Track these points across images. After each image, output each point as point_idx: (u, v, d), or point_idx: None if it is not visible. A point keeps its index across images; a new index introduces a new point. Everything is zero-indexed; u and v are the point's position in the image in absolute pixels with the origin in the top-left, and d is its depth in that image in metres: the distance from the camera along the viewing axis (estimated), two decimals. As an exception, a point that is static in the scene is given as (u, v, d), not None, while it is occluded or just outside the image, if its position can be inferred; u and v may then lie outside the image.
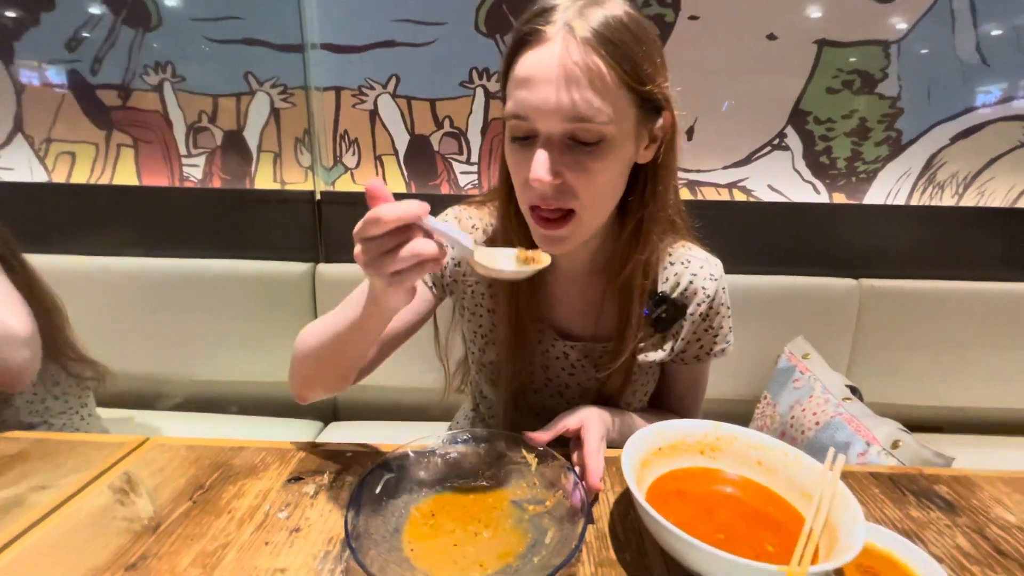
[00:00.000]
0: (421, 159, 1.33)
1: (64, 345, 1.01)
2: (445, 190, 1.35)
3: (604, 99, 0.51)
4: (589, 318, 0.70)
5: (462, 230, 0.70)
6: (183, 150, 1.33)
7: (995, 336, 1.27)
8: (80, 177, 1.33)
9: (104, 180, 1.33)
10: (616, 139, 0.53)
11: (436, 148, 1.33)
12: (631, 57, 0.52)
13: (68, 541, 0.52)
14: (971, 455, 1.14)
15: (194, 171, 1.34)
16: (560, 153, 0.53)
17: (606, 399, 0.71)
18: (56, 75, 1.28)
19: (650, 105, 0.56)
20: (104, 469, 0.64)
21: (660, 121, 0.58)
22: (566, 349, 0.71)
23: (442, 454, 0.62)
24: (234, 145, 1.33)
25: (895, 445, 0.82)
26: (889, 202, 1.33)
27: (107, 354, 1.07)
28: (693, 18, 1.23)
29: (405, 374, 1.32)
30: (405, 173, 1.35)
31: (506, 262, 0.50)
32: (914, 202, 1.32)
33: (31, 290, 0.97)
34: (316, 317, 1.29)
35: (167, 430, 1.22)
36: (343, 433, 1.30)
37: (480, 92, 1.28)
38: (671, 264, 0.69)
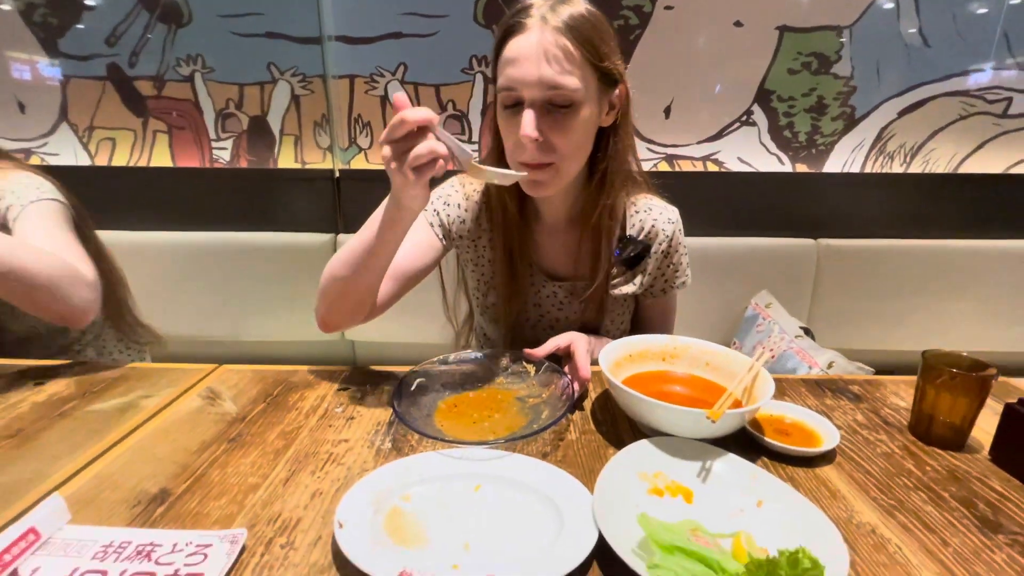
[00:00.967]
0: (427, 139, 1.48)
1: (126, 312, 1.17)
2: (450, 167, 1.49)
3: (572, 72, 0.67)
4: (569, 261, 0.85)
5: (463, 194, 0.87)
6: (213, 135, 1.48)
7: (937, 287, 1.44)
8: (120, 161, 1.48)
9: (142, 163, 1.48)
10: (583, 103, 0.69)
11: (441, 129, 1.48)
12: (591, 40, 0.68)
13: (178, 427, 0.69)
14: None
15: (223, 153, 1.49)
16: (541, 116, 0.68)
17: (589, 330, 0.87)
18: (97, 68, 1.42)
19: (608, 78, 0.72)
20: (191, 385, 0.80)
21: (616, 91, 0.74)
22: (554, 288, 0.88)
23: (461, 365, 0.79)
24: (259, 129, 1.47)
25: (830, 366, 0.99)
26: (845, 171, 1.49)
27: (149, 321, 1.23)
28: (668, 8, 1.37)
29: (417, 331, 1.49)
30: (413, 152, 1.50)
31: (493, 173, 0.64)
32: (867, 170, 1.49)
33: (98, 260, 1.12)
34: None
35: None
36: (364, 385, 1.48)
37: (479, 78, 1.43)
38: (635, 212, 0.85)
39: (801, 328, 1.20)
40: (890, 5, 1.35)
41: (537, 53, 0.66)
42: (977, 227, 1.45)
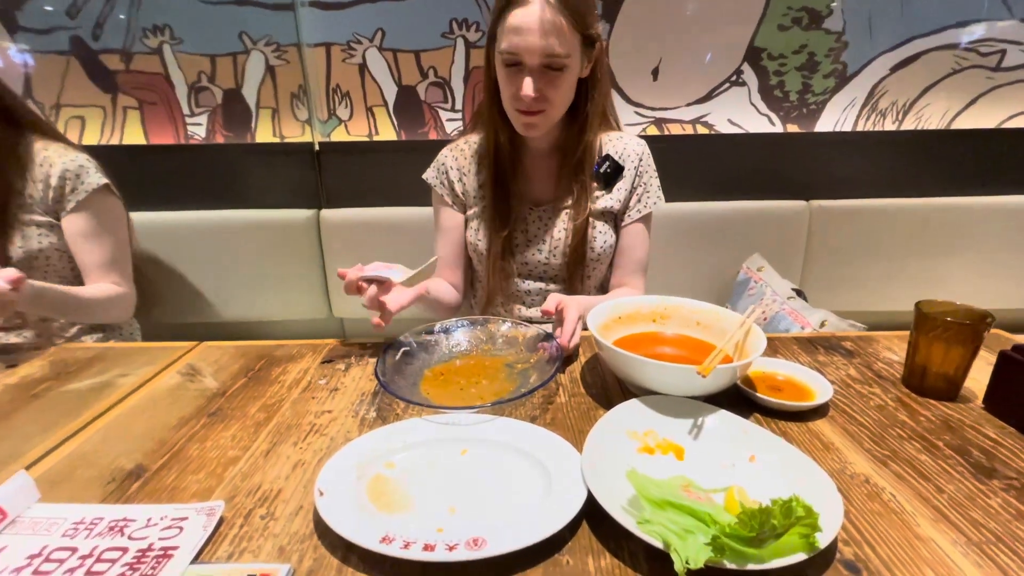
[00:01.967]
0: (409, 108, 1.44)
1: (138, 281, 1.20)
2: (433, 136, 1.46)
3: (566, 43, 0.79)
4: (552, 187, 0.96)
5: (457, 163, 0.97)
6: (186, 110, 1.42)
7: (931, 246, 1.43)
8: (91, 139, 1.42)
9: (114, 141, 1.43)
10: (572, 66, 0.82)
11: (423, 97, 1.43)
12: (580, 12, 0.79)
13: (157, 404, 0.67)
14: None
15: (198, 129, 1.44)
16: (538, 77, 0.81)
17: (575, 248, 0.93)
18: (59, 42, 1.35)
19: (589, 40, 0.83)
20: (171, 362, 0.78)
21: (595, 50, 0.85)
22: (539, 212, 0.96)
23: (447, 334, 0.77)
24: (234, 103, 1.42)
25: (822, 324, 0.98)
26: (837, 129, 1.46)
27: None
28: (655, -36, 1.32)
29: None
30: (395, 122, 1.45)
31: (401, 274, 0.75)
32: (859, 129, 1.46)
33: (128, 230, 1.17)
34: (323, 259, 1.43)
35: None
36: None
37: (460, 42, 1.38)
38: (609, 142, 0.95)
39: (793, 290, 1.19)
40: (883, -46, 1.31)
41: (539, 28, 0.77)
42: (971, 183, 1.43)
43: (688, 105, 1.44)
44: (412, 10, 1.34)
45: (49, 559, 0.42)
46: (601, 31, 0.86)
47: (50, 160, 0.99)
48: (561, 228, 0.94)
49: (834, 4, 1.35)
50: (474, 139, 0.98)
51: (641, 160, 0.95)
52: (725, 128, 1.46)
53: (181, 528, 0.45)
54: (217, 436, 0.59)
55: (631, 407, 0.58)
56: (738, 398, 0.63)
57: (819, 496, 0.44)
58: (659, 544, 0.39)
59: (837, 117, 1.45)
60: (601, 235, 0.94)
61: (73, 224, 1.01)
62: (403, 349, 0.72)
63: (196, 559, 0.42)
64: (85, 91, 1.39)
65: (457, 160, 0.98)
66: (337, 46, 1.38)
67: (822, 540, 0.39)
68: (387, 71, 1.40)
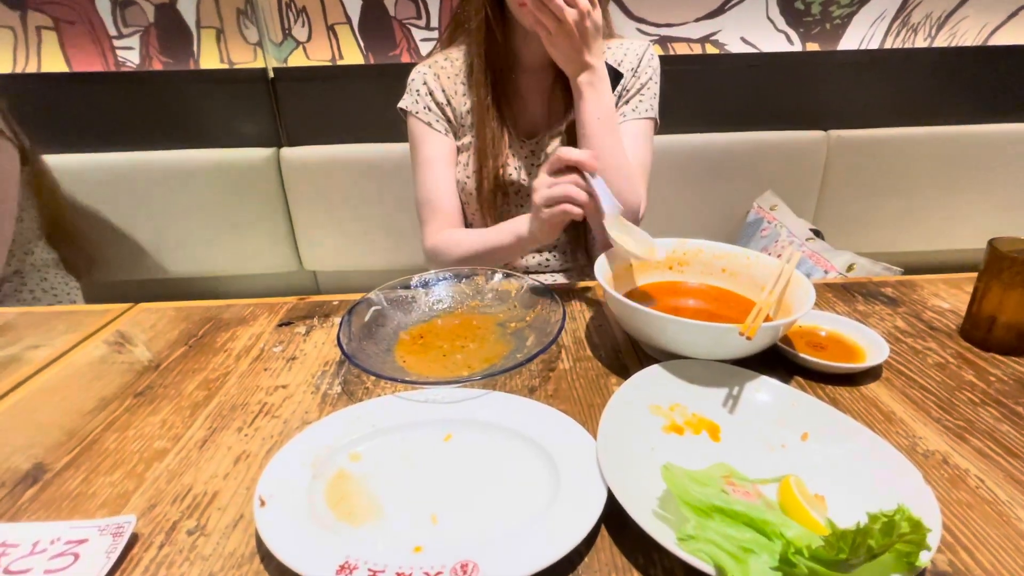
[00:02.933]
0: (377, 27, 1.24)
1: (65, 233, 1.08)
2: (406, 59, 1.27)
3: None
4: (543, 111, 0.83)
5: (436, 83, 0.82)
6: (112, 30, 1.21)
7: (960, 178, 1.31)
8: (3, 68, 1.21)
9: (30, 69, 1.22)
10: None
11: (392, 13, 1.23)
12: None
13: (72, 383, 0.55)
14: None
15: (129, 54, 1.23)
16: None
17: None
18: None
19: None
20: (96, 329, 0.65)
21: None
22: (532, 146, 0.83)
23: (427, 289, 0.65)
24: (169, 21, 1.21)
25: (850, 268, 0.88)
26: (863, 47, 1.30)
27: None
28: None
29: (384, 257, 1.33)
30: (362, 44, 1.26)
31: (635, 244, 0.60)
32: (887, 46, 1.30)
33: (38, 189, 0.97)
34: (287, 204, 1.27)
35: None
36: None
37: (434, -56, 1.17)
38: (609, 49, 0.82)
39: (811, 230, 1.08)
40: None
41: None
42: (1009, 108, 1.29)
43: (697, 21, 1.26)
44: (374, -99, 1.12)
45: None
46: None
47: None
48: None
49: None
50: (455, 55, 0.83)
51: (641, 61, 0.82)
52: (737, 47, 1.29)
53: (76, 555, 0.34)
54: (142, 423, 0.48)
55: (652, 375, 0.47)
56: (775, 358, 0.53)
57: (901, 490, 0.34)
58: (709, 569, 0.29)
59: (864, 33, 1.29)
60: None
61: None
62: (374, 308, 0.60)
63: (91, 601, 0.31)
64: (-13, 8, 1.17)
65: (439, 79, 0.82)
66: (287, -52, 1.16)
67: (924, 557, 0.29)
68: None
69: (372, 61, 1.27)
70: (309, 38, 1.25)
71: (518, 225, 0.73)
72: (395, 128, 0.89)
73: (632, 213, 0.76)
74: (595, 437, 0.40)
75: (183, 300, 0.72)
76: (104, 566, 0.33)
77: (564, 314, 0.55)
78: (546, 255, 0.88)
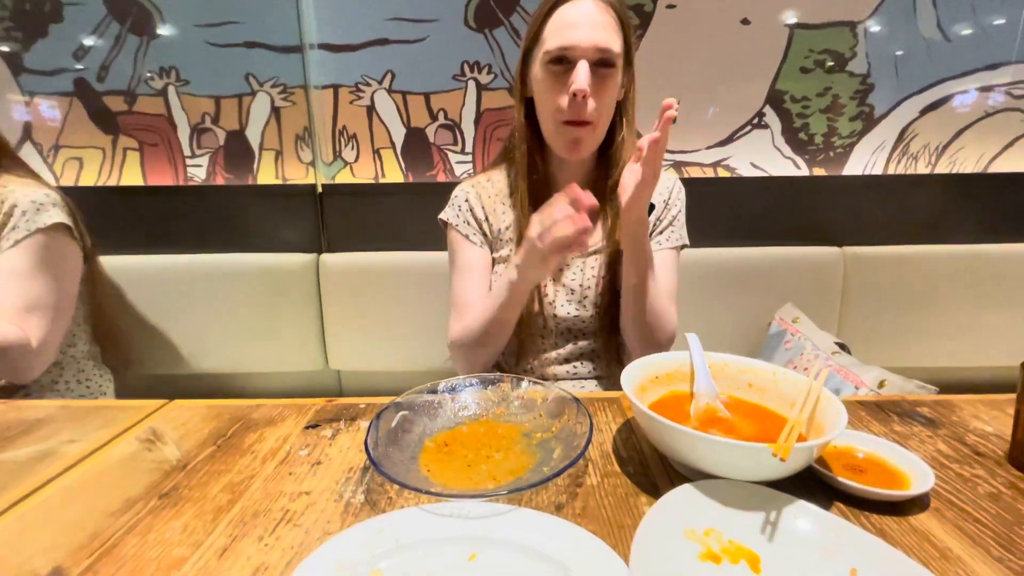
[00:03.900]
0: (418, 151, 1.39)
1: (107, 328, 1.14)
2: (441, 179, 1.40)
3: (616, 42, 0.77)
4: None
5: (477, 201, 0.90)
6: (187, 151, 1.38)
7: (974, 297, 1.32)
8: (88, 181, 1.37)
9: (111, 182, 1.38)
10: (618, 68, 0.79)
11: (432, 140, 1.38)
12: (625, 19, 0.80)
13: (102, 480, 0.55)
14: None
15: (198, 171, 1.39)
16: (589, 74, 0.76)
17: (610, 284, 0.86)
18: (63, 83, 1.33)
19: (628, 56, 0.81)
20: (130, 425, 0.67)
21: (632, 70, 0.84)
22: (568, 262, 0.88)
23: (453, 395, 0.66)
24: (237, 144, 1.37)
25: (881, 385, 0.86)
26: (866, 173, 1.39)
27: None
28: (671, 7, 1.29)
29: (407, 359, 1.35)
30: (403, 165, 1.40)
31: None
32: (890, 172, 1.38)
33: (95, 287, 1.07)
34: (321, 305, 1.33)
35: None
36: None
37: (472, 84, 1.34)
38: None
39: (836, 344, 1.07)
40: (905, -2, 1.28)
41: (592, 21, 0.76)
42: (1015, 229, 1.33)
43: (708, 148, 1.38)
44: (423, 52, 1.32)
45: None
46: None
47: (14, 194, 0.94)
48: (590, 275, 0.87)
49: (857, 46, 1.31)
50: (497, 177, 0.92)
51: (672, 193, 0.90)
52: (748, 172, 1.39)
53: (83, 676, 0.32)
54: (164, 526, 0.48)
55: (685, 496, 0.46)
56: (810, 480, 0.51)
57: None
58: None
59: (866, 160, 1.38)
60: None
61: (6, 260, 0.91)
62: (401, 413, 0.61)
63: None
64: (86, 132, 1.35)
65: (480, 198, 0.90)
66: (345, 88, 1.34)
67: None
68: (396, 113, 1.36)
69: (411, 179, 1.40)
70: (356, 159, 1.40)
71: (507, 274, 0.77)
72: (427, 238, 0.97)
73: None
74: (626, 561, 0.38)
75: (209, 395, 0.74)
76: None
77: (591, 426, 0.55)
78: (575, 364, 0.89)
